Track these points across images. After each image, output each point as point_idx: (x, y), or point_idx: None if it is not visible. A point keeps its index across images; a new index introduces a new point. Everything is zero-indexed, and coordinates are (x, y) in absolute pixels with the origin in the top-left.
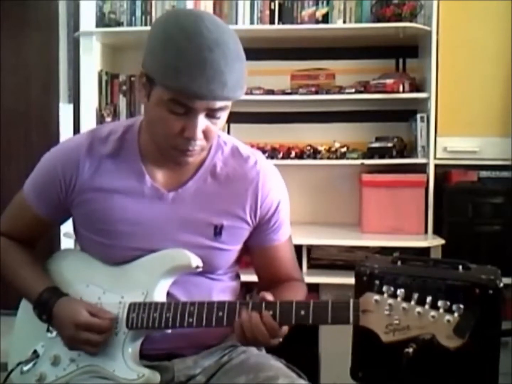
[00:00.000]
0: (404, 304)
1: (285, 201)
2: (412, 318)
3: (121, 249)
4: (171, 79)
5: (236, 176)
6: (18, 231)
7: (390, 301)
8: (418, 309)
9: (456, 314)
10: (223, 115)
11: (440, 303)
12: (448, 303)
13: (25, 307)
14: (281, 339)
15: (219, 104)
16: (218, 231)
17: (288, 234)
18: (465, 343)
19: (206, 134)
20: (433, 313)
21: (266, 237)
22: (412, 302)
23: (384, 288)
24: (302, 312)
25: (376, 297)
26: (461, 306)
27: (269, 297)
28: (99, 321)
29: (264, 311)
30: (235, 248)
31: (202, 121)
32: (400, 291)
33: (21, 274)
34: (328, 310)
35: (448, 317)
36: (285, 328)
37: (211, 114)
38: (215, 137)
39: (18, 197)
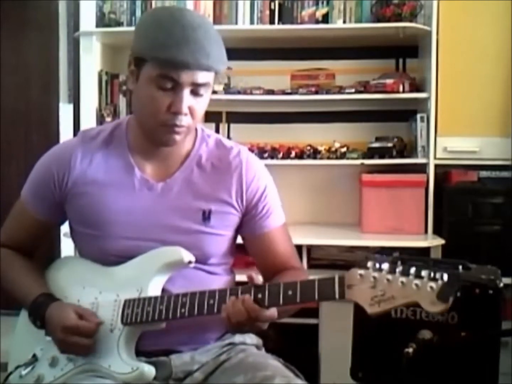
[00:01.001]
0: (389, 276)
1: (271, 187)
2: (396, 288)
3: (115, 239)
4: (160, 51)
5: (220, 165)
6: (18, 240)
7: (375, 274)
8: (402, 279)
9: (439, 282)
10: (206, 94)
11: (423, 272)
12: (432, 273)
13: (26, 312)
14: (266, 324)
15: (202, 78)
16: (207, 216)
17: (280, 221)
18: (448, 308)
19: (191, 112)
20: (416, 281)
21: (256, 224)
22: (397, 274)
23: (369, 264)
24: (290, 292)
25: (361, 271)
26: (444, 273)
27: (256, 277)
28: (86, 324)
29: (246, 296)
30: (226, 234)
31: (187, 97)
32: (385, 265)
33: (19, 282)
34: (315, 287)
35: (431, 284)
36: (272, 311)
37: (195, 90)
38: (200, 117)
39: (16, 204)
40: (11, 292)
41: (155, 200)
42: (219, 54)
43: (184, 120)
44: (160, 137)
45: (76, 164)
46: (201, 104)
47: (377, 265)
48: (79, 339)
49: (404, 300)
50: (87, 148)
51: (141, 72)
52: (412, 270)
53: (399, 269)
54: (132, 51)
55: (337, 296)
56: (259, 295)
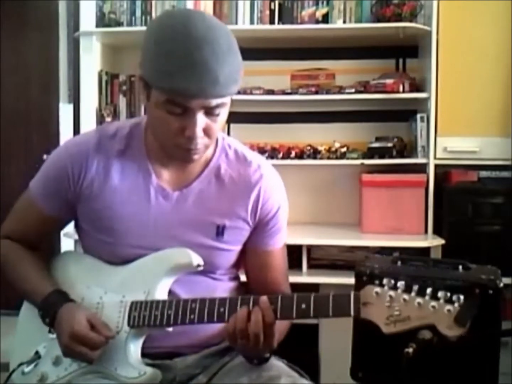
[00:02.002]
0: (405, 296)
1: (285, 208)
2: (412, 308)
3: (125, 247)
4: (164, 81)
5: (239, 179)
6: (22, 233)
7: (391, 293)
8: (419, 300)
9: (456, 304)
10: (222, 112)
11: (440, 294)
12: (448, 294)
13: (28, 308)
14: (275, 340)
15: (215, 101)
16: (220, 231)
17: (282, 242)
18: (466, 333)
19: (207, 132)
20: (433, 303)
21: (262, 240)
22: (413, 294)
23: (385, 281)
24: (303, 306)
25: (377, 289)
26: (461, 296)
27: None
28: (95, 337)
29: (262, 297)
30: (236, 249)
31: (201, 120)
32: (401, 283)
33: (26, 275)
34: (329, 303)
35: (448, 307)
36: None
37: (209, 112)
38: (218, 134)
39: (23, 197)
40: (16, 284)
41: (169, 211)
42: (230, 74)
43: (200, 142)
44: (176, 156)
45: (94, 165)
46: (218, 123)
47: (392, 282)
48: (84, 350)
49: (420, 322)
50: (104, 148)
51: (151, 93)
52: (428, 290)
53: (415, 287)
54: (140, 69)
55: (352, 313)
56: (272, 306)
